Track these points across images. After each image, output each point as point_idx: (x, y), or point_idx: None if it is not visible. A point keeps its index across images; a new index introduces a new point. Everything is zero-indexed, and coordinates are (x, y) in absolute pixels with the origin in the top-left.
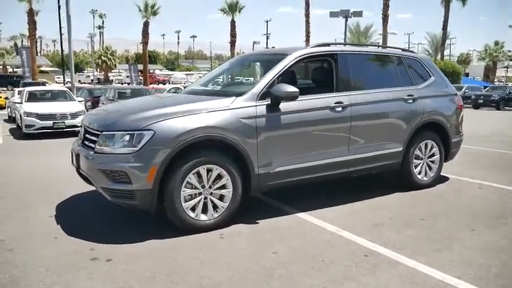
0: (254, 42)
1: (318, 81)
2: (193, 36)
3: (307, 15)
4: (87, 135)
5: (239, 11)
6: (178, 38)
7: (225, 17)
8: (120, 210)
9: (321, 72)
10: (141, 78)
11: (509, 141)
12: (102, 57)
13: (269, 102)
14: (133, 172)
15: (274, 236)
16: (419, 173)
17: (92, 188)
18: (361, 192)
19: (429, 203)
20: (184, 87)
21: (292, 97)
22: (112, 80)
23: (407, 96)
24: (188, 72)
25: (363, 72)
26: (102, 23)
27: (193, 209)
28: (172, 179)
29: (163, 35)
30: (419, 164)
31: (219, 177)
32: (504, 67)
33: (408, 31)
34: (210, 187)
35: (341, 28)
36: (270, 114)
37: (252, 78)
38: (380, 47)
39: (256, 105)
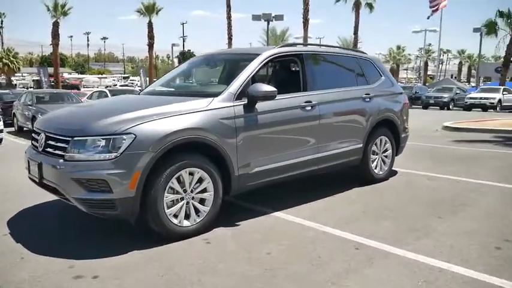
0: (173, 45)
1: (286, 80)
2: (105, 38)
3: (229, 17)
4: (51, 142)
5: (156, 13)
6: (88, 40)
7: (138, 19)
8: (85, 220)
9: (288, 71)
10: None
11: (435, 135)
12: (4, 59)
13: (245, 102)
14: (114, 179)
15: (260, 236)
16: (376, 168)
17: (46, 199)
18: (324, 188)
19: (391, 195)
20: (142, 89)
21: (270, 96)
22: (16, 85)
23: (365, 95)
24: (101, 76)
25: (326, 71)
26: (1, 23)
27: (175, 215)
28: (154, 184)
29: (71, 36)
30: (375, 159)
31: (200, 180)
32: (404, 69)
33: (319, 35)
34: (191, 191)
35: (258, 31)
36: (248, 114)
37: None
38: (336, 48)
39: (234, 106)
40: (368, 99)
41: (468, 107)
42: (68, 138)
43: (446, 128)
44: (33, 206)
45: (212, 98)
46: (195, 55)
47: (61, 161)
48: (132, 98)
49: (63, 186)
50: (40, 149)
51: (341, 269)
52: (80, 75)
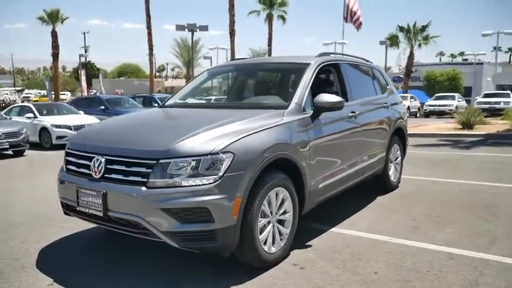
0: (80, 55)
1: (327, 90)
2: None
3: (148, 27)
4: (117, 166)
5: (62, 22)
6: None
7: (28, 28)
8: (138, 253)
9: (328, 81)
10: None
11: None
12: None
13: (311, 113)
14: (217, 206)
15: (347, 256)
16: (391, 175)
17: (56, 234)
18: (345, 199)
19: (419, 201)
20: (163, 102)
21: (337, 107)
22: None
23: (384, 104)
24: None
25: (357, 81)
26: None
27: (264, 241)
28: (251, 209)
29: None
30: (391, 167)
31: (282, 201)
32: None
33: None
34: (276, 213)
35: (166, 42)
36: (315, 126)
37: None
38: (354, 57)
39: (304, 118)
40: (387, 108)
41: None
42: (149, 162)
43: None
44: (55, 242)
45: (283, 111)
46: (96, 66)
47: (143, 188)
48: (182, 112)
49: (149, 219)
50: (98, 176)
51: (461, 281)
52: None
